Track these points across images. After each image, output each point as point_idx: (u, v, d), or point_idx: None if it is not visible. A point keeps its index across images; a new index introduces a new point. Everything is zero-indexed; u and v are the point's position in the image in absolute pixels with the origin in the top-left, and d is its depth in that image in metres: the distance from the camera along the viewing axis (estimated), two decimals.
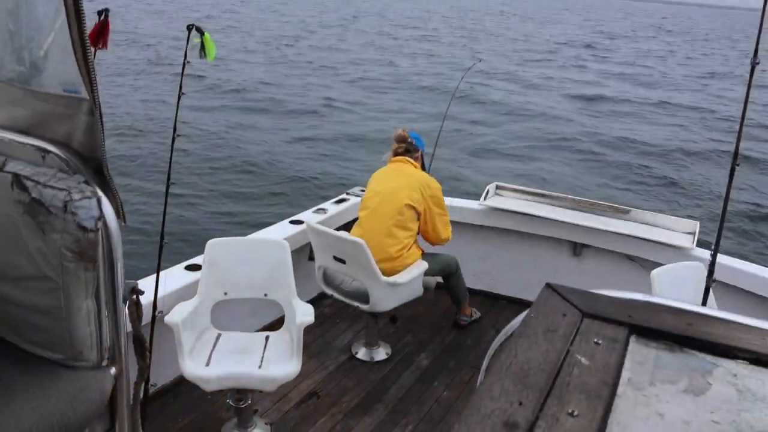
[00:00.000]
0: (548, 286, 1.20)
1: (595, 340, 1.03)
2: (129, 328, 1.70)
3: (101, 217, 1.52)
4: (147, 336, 2.94)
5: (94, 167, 1.57)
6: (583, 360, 0.96)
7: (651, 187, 12.19)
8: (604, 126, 17.20)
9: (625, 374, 0.97)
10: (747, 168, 13.59)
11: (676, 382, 0.97)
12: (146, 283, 3.24)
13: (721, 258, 4.35)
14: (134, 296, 1.70)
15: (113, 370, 1.65)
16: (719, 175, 12.51)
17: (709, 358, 1.06)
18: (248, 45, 29.97)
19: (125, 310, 1.67)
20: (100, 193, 1.54)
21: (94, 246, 1.51)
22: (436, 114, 15.36)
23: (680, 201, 11.47)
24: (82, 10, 1.39)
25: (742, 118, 2.69)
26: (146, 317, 2.99)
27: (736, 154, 2.65)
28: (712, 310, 1.22)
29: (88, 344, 1.59)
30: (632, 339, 1.08)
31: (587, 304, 1.14)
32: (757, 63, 2.61)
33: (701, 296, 3.50)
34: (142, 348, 1.84)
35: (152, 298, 3.11)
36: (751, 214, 11.14)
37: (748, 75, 2.65)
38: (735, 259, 4.44)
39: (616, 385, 0.93)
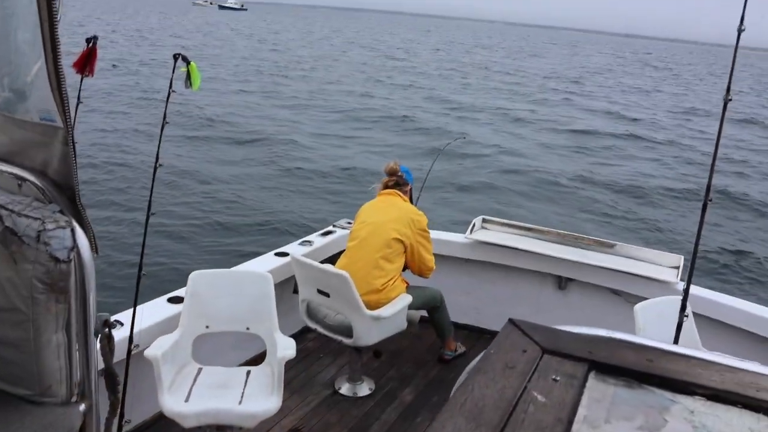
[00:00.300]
0: (510, 321, 1.21)
1: (554, 376, 1.04)
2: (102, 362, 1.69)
3: (74, 247, 1.51)
4: (122, 370, 2.92)
5: (69, 196, 1.57)
6: (540, 397, 0.97)
7: (629, 222, 12.22)
8: (585, 162, 17.35)
9: (581, 411, 0.97)
10: (728, 203, 13.73)
11: (632, 419, 0.98)
12: (125, 317, 3.23)
13: (703, 292, 4.39)
14: (106, 329, 1.68)
15: (82, 407, 1.63)
16: (695, 212, 12.60)
17: (668, 394, 1.06)
18: (233, 75, 30.17)
19: (97, 344, 1.65)
20: (75, 224, 1.54)
21: (66, 277, 1.50)
22: (424, 149, 15.53)
23: (657, 236, 11.52)
24: (58, 39, 1.41)
25: (715, 153, 2.73)
26: (123, 351, 2.97)
27: (708, 189, 2.68)
28: (673, 346, 1.23)
29: (57, 379, 1.57)
30: (591, 375, 1.08)
31: (548, 340, 1.15)
32: (730, 100, 2.65)
33: (686, 331, 3.50)
34: (114, 383, 1.82)
35: (130, 332, 3.08)
36: (730, 248, 11.22)
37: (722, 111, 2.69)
38: (717, 293, 4.45)
39: (571, 422, 0.93)
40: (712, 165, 2.73)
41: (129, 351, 3.00)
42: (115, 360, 2.86)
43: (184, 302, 3.47)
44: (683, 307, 2.89)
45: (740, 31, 2.65)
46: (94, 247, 1.59)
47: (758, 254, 11.14)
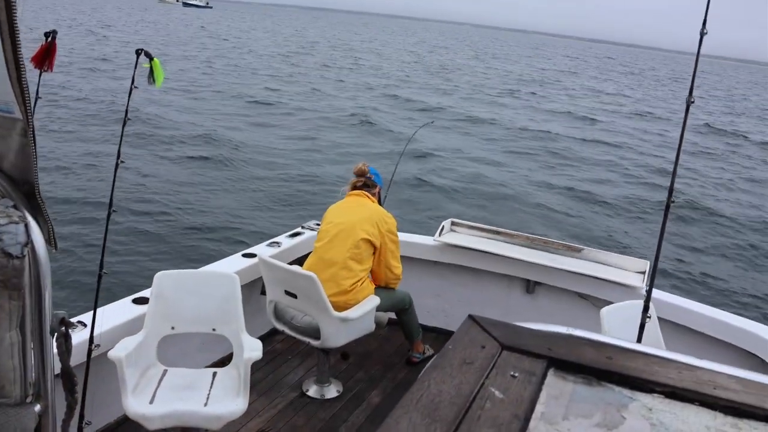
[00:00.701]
0: (470, 317, 1.21)
1: (512, 372, 1.04)
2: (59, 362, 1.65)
3: (29, 243, 1.47)
4: (84, 372, 2.87)
5: (26, 191, 1.53)
6: (497, 393, 0.96)
7: (592, 226, 12.34)
8: (546, 165, 17.53)
9: (539, 408, 0.97)
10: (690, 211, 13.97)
11: (590, 417, 0.98)
12: (89, 318, 3.18)
13: (668, 297, 4.45)
14: (63, 328, 1.64)
15: (38, 407, 1.59)
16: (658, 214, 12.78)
17: (626, 391, 1.07)
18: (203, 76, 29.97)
19: (53, 343, 1.62)
20: (30, 219, 1.50)
21: (20, 274, 1.46)
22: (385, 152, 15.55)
23: (621, 241, 11.67)
24: (17, 26, 1.37)
25: (677, 156, 2.76)
26: (85, 353, 2.92)
27: (670, 191, 2.70)
28: (632, 343, 1.24)
29: (11, 379, 1.53)
30: (550, 372, 1.09)
31: (507, 336, 1.15)
32: (692, 102, 2.69)
33: (650, 334, 3.55)
34: (71, 383, 1.78)
35: (90, 332, 3.03)
36: (694, 253, 11.40)
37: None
38: (682, 298, 4.52)
39: (528, 419, 0.93)
40: (675, 167, 2.76)
41: (89, 351, 2.95)
42: (77, 362, 2.82)
43: (149, 303, 3.43)
44: (645, 308, 2.92)
45: (702, 34, 2.69)
46: (53, 243, 1.55)
47: (721, 258, 11.36)
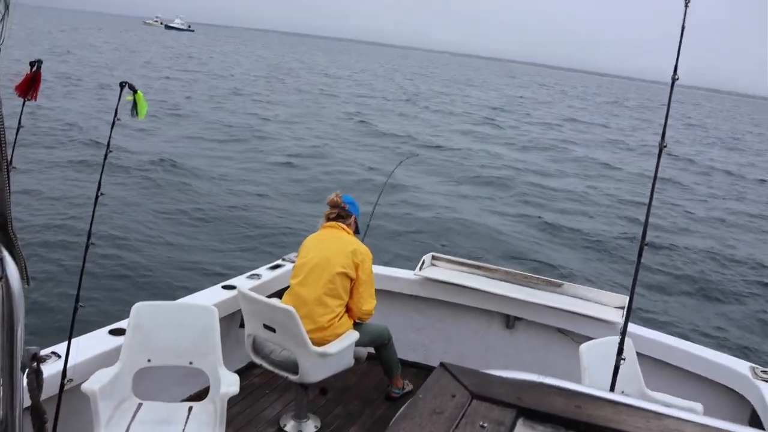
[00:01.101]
0: (442, 365, 1.21)
1: (482, 422, 1.04)
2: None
3: (2, 277, 1.47)
4: (54, 406, 2.82)
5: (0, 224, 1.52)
6: None
7: (567, 261, 12.39)
8: (521, 197, 17.67)
9: None
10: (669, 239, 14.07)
11: None
12: (63, 349, 3.14)
13: (647, 332, 4.48)
14: (35, 363, 1.63)
15: None
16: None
17: None
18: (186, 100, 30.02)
19: (24, 379, 1.60)
20: (4, 252, 1.49)
21: None
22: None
23: (602, 275, 11.73)
24: None
25: (650, 197, 2.80)
26: (57, 385, 2.88)
27: (644, 233, 2.74)
28: (601, 391, 1.25)
29: None
30: (519, 422, 1.09)
31: (478, 385, 1.16)
32: (665, 146, 2.73)
33: (629, 372, 3.56)
34: (41, 421, 1.76)
35: (64, 366, 2.99)
36: (672, 285, 11.49)
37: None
38: (661, 334, 4.55)
39: None
40: (648, 209, 2.80)
41: (62, 385, 2.91)
42: (49, 394, 2.78)
43: (125, 334, 3.39)
44: (620, 351, 2.93)
45: (674, 80, 2.75)
46: (25, 278, 1.54)
47: (699, 291, 11.46)
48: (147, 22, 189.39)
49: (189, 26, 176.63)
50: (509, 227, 14.04)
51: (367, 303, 4.20)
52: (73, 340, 3.02)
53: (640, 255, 2.79)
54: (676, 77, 2.76)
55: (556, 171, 22.39)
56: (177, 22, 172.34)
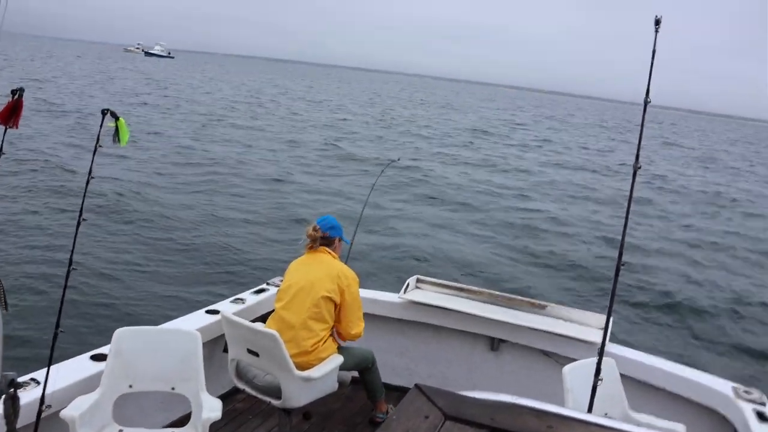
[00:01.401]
0: (416, 387, 1.21)
1: None
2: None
3: None
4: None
5: None
6: None
7: (545, 284, 12.44)
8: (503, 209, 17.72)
9: None
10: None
11: None
12: (42, 375, 3.10)
13: (630, 353, 4.49)
14: (11, 390, 1.61)
15: None
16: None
17: None
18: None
19: (0, 405, 1.58)
20: None
21: None
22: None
23: (581, 295, 11.79)
24: None
25: (626, 219, 2.83)
26: (35, 412, 2.83)
27: (620, 254, 2.76)
28: (573, 411, 1.25)
29: None
30: None
31: (452, 406, 1.16)
32: (639, 167, 2.77)
33: (611, 391, 3.56)
34: None
35: (42, 392, 2.94)
36: (655, 304, 11.57)
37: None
38: (643, 354, 4.56)
39: None
40: (624, 229, 2.82)
41: (39, 412, 2.86)
42: (27, 421, 2.73)
43: (107, 360, 3.35)
44: (597, 371, 2.94)
45: (646, 102, 2.81)
46: (2, 304, 1.53)
47: (683, 305, 11.57)
48: (128, 49, 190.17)
49: (169, 53, 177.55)
50: (488, 249, 14.09)
51: (356, 326, 4.20)
52: (52, 366, 2.98)
53: (617, 274, 2.82)
54: (649, 100, 2.81)
55: (534, 193, 22.53)
56: (157, 49, 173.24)
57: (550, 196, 22.40)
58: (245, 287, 5.17)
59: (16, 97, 2.61)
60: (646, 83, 2.86)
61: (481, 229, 16.06)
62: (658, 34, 2.79)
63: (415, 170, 23.42)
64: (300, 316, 4.00)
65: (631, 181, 2.85)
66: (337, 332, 4.22)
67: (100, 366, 3.48)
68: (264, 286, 5.18)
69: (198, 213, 14.09)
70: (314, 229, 4.27)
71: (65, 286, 2.96)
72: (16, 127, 2.63)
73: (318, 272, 4.12)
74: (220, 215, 14.15)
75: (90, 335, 7.00)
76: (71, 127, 25.38)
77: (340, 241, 4.41)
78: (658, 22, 2.71)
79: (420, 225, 15.47)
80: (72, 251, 2.95)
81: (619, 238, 2.88)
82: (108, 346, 3.45)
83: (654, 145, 54.67)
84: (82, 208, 3.00)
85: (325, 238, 4.28)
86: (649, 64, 2.83)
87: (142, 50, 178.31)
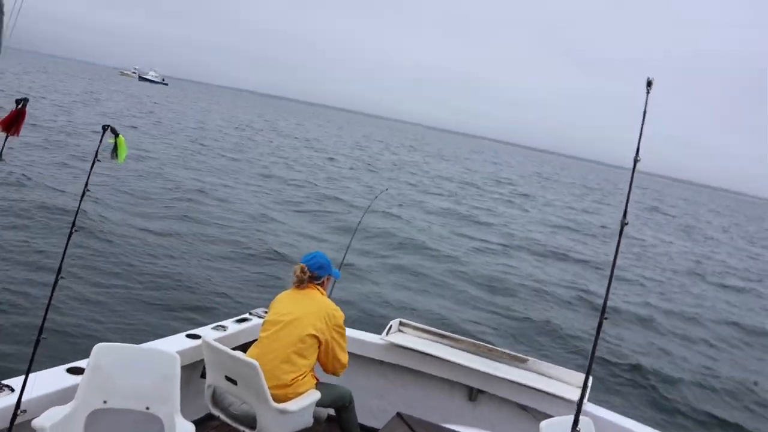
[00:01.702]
0: (398, 415, 1.22)
1: None
2: None
3: None
4: None
5: None
6: None
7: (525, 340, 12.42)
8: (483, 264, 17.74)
9: None
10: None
11: None
12: (17, 382, 3.05)
13: (608, 414, 4.48)
14: None
15: None
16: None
17: None
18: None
19: None
20: None
21: None
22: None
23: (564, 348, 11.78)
24: None
25: (611, 274, 2.85)
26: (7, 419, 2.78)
27: (603, 308, 2.77)
28: None
29: None
30: None
31: None
32: (626, 223, 2.82)
33: None
34: None
35: (18, 398, 2.89)
36: (634, 364, 11.58)
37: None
38: (621, 417, 4.54)
39: None
40: (608, 285, 2.85)
41: (14, 416, 2.80)
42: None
43: (84, 374, 3.30)
44: (574, 429, 2.92)
45: (636, 161, 2.88)
46: None
47: (658, 370, 11.58)
48: (123, 72, 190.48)
49: (163, 79, 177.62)
50: (464, 302, 14.08)
51: (343, 358, 4.24)
52: (30, 375, 2.93)
53: (598, 332, 2.83)
54: (638, 158, 2.88)
55: (514, 249, 22.61)
56: (151, 75, 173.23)
57: (530, 251, 22.48)
58: (227, 316, 5.13)
59: (19, 106, 2.65)
60: (636, 142, 2.92)
61: (459, 280, 16.06)
62: (650, 96, 2.87)
63: (396, 219, 23.44)
64: (284, 350, 3.98)
65: (617, 237, 2.89)
66: (321, 364, 4.21)
67: (76, 379, 3.43)
68: (246, 315, 5.14)
69: (177, 242, 13.98)
70: (302, 270, 4.25)
71: (52, 294, 2.93)
72: (17, 135, 2.65)
73: (307, 308, 4.12)
74: (201, 247, 14.05)
75: (68, 353, 6.86)
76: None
77: (329, 278, 4.42)
78: (650, 84, 2.80)
79: (397, 276, 15.43)
80: (62, 259, 2.94)
81: (597, 300, 2.90)
82: (86, 360, 3.40)
83: (637, 209, 55.34)
84: (75, 219, 3.00)
85: (313, 278, 4.28)
86: (640, 123, 2.91)
87: (138, 75, 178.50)
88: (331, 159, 45.51)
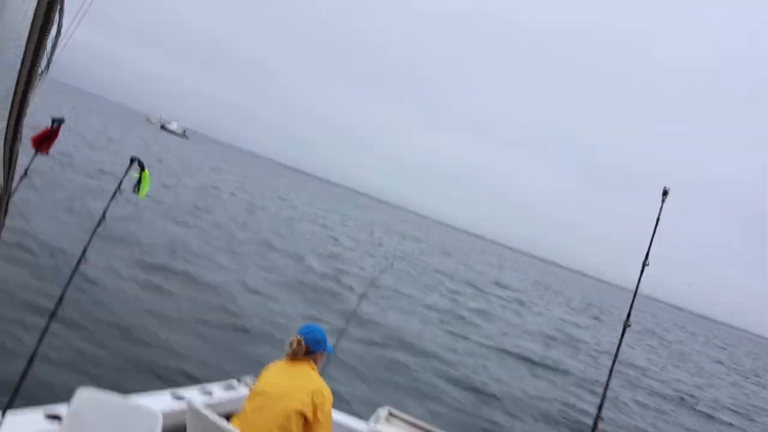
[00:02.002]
0: None
1: None
2: None
3: None
4: None
5: None
6: None
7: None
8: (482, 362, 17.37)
9: None
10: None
11: None
12: None
13: None
14: None
15: None
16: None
17: None
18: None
19: None
20: None
21: None
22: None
23: None
24: (28, 101, 1.35)
25: (611, 372, 2.82)
26: None
27: (601, 405, 2.72)
28: None
29: None
30: None
31: None
32: (629, 325, 2.82)
33: None
34: None
35: None
36: None
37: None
38: None
39: None
40: (606, 385, 2.81)
41: None
42: None
43: (63, 421, 3.16)
44: None
45: (645, 265, 2.89)
46: None
47: None
48: (150, 120, 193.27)
49: (184, 132, 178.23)
50: (458, 406, 13.79)
51: None
52: (8, 415, 2.81)
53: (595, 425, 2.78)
54: (647, 263, 2.90)
55: (508, 356, 22.29)
56: (173, 126, 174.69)
57: (521, 361, 22.15)
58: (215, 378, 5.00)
59: (54, 126, 2.64)
60: (646, 251, 2.97)
61: (451, 384, 15.78)
62: (665, 205, 2.92)
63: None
64: (268, 424, 3.84)
65: (620, 337, 2.90)
66: None
67: (53, 428, 3.28)
68: (234, 382, 5.00)
69: (171, 299, 13.84)
70: (298, 343, 4.16)
71: (45, 330, 2.84)
72: (47, 153, 2.64)
73: (296, 383, 4.00)
74: (196, 314, 13.92)
75: (51, 388, 6.66)
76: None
77: (323, 354, 4.30)
78: (665, 193, 2.86)
79: (389, 374, 15.20)
80: (64, 291, 2.87)
81: (584, 418, 2.86)
82: (65, 405, 3.27)
83: (634, 337, 54.77)
84: (86, 248, 2.96)
85: (308, 353, 4.17)
86: (652, 231, 2.95)
87: (160, 124, 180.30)
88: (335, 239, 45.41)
